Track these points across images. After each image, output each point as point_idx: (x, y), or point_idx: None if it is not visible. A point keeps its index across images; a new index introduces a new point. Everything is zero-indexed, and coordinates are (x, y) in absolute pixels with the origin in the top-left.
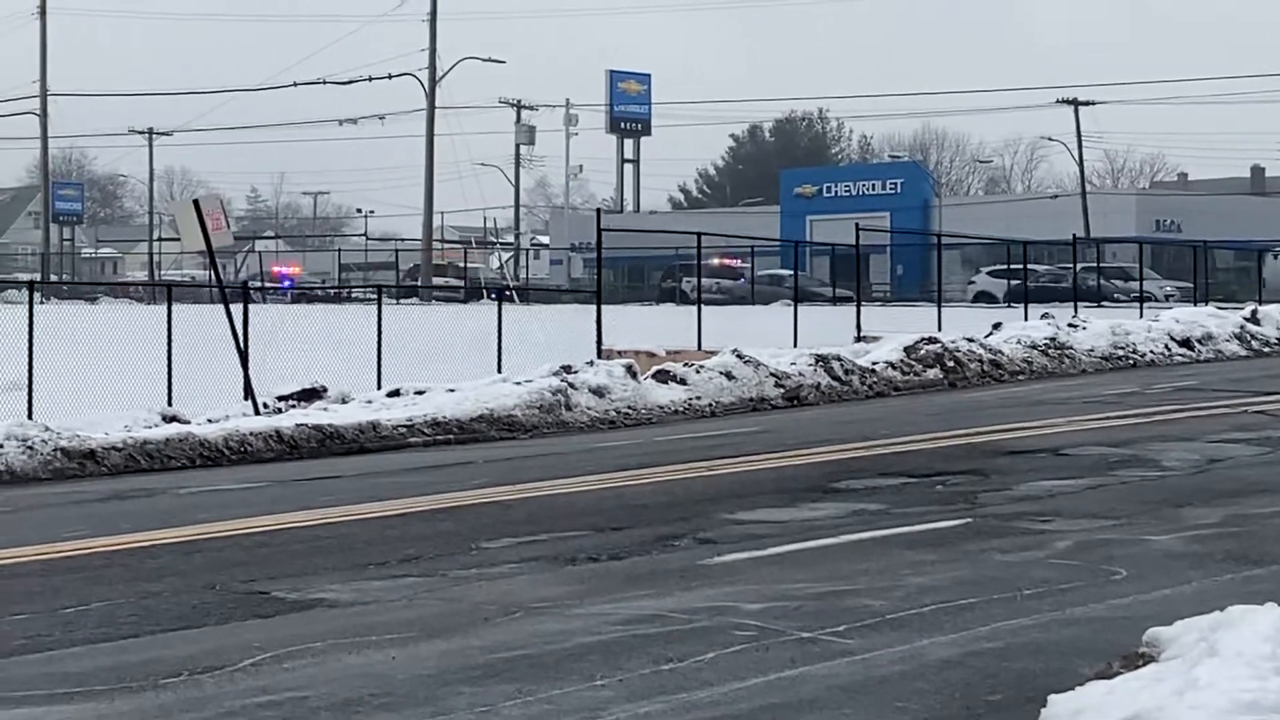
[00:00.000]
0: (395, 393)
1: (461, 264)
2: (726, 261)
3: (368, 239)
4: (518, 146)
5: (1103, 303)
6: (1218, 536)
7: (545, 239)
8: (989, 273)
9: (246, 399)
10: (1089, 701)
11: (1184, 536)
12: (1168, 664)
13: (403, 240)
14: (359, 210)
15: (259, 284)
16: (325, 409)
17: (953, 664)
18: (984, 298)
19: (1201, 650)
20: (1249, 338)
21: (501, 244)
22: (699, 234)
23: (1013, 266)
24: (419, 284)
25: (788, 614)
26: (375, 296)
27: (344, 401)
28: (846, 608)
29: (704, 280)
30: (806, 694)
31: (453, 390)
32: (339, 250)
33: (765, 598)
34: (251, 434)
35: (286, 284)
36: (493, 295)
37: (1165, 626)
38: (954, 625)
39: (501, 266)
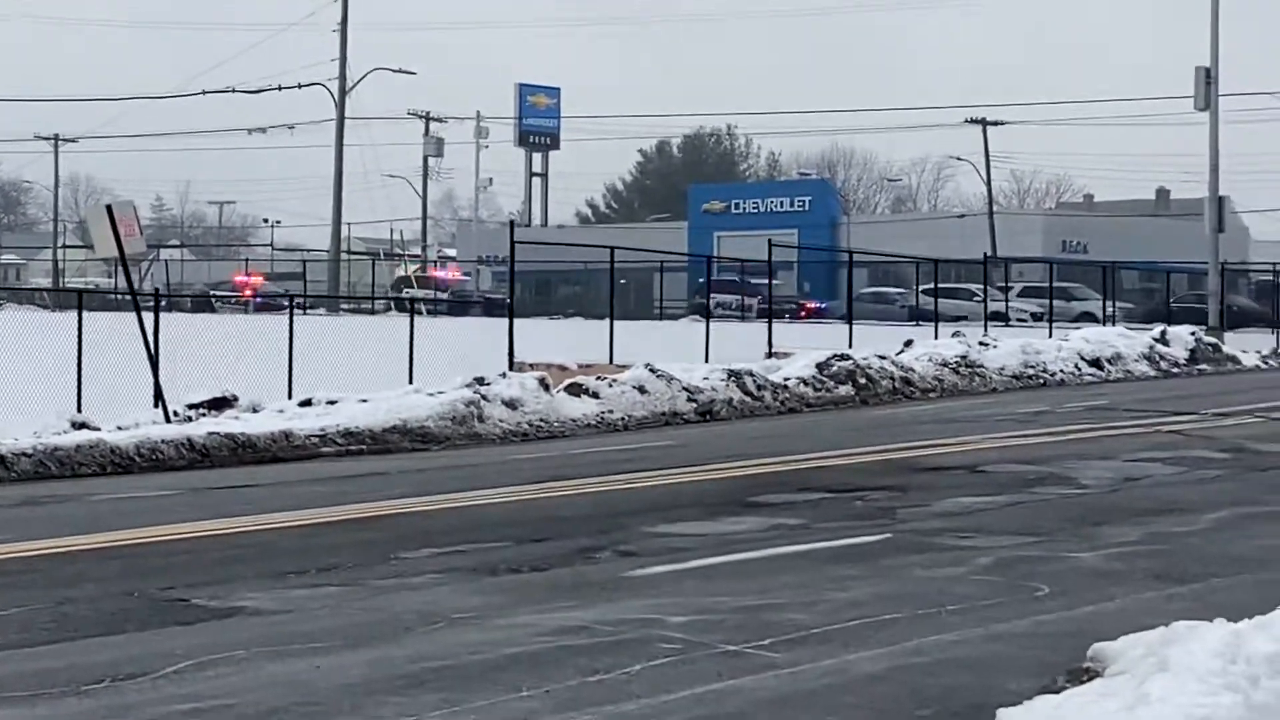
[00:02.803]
0: (307, 402)
1: (425, 275)
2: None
3: (274, 249)
4: (425, 158)
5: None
6: (1138, 554)
7: (452, 251)
8: (925, 291)
9: (157, 406)
10: (1037, 717)
11: (1105, 554)
12: (1114, 679)
13: (309, 251)
14: (265, 220)
15: (217, 293)
16: (237, 418)
17: (880, 678)
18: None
19: (1151, 665)
20: (1158, 358)
21: (409, 256)
22: (612, 248)
23: (954, 286)
24: (388, 294)
25: (713, 627)
26: (331, 308)
27: (255, 410)
28: (771, 621)
29: (725, 297)
30: (734, 707)
31: (365, 400)
32: (246, 260)
33: (690, 610)
34: (163, 441)
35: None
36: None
37: (1110, 641)
38: (879, 640)
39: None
